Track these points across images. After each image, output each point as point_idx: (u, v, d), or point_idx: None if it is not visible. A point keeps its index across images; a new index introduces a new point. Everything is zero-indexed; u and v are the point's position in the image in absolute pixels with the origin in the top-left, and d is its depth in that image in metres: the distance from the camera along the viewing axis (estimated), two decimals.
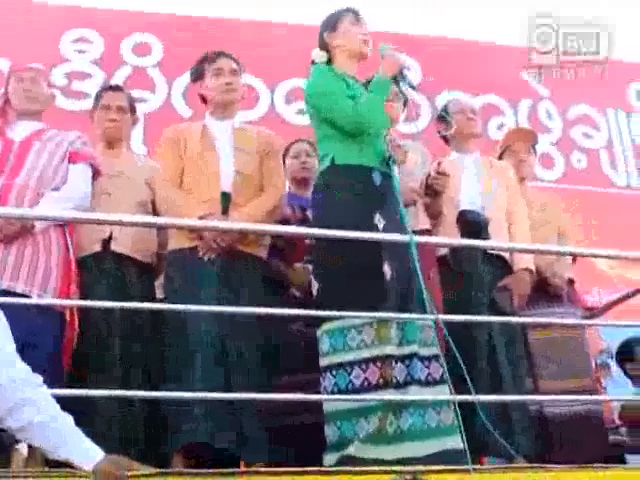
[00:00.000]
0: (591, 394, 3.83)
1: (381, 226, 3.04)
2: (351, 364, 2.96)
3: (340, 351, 2.98)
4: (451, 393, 2.85)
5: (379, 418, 2.87)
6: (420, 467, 2.55)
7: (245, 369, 3.11)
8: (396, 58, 3.18)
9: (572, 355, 3.83)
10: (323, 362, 3.01)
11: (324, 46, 3.33)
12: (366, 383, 2.92)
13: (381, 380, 2.91)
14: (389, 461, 2.80)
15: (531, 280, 3.69)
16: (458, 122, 3.92)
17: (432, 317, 2.93)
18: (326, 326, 3.01)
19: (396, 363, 2.94)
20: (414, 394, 2.91)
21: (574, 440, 3.67)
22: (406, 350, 2.96)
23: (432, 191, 3.57)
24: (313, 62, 3.34)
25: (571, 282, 4.07)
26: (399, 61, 3.18)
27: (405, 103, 3.87)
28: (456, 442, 2.85)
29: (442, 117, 4.03)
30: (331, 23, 3.33)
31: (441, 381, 2.95)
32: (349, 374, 2.95)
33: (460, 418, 2.82)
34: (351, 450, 2.85)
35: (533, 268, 3.70)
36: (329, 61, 3.31)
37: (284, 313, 3.11)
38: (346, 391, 2.93)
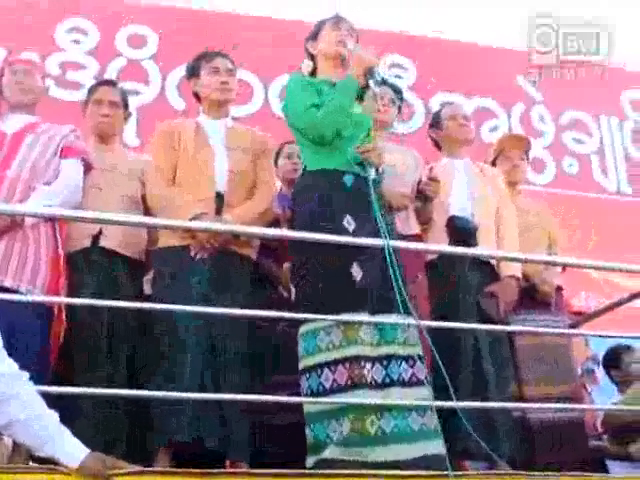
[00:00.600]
0: (576, 400, 3.84)
1: (351, 228, 3.04)
2: (320, 366, 2.97)
3: (311, 354, 3.00)
4: (432, 396, 2.86)
5: (352, 420, 2.87)
6: (399, 472, 2.56)
7: (232, 368, 3.11)
8: (364, 56, 3.15)
9: (557, 361, 3.85)
10: (300, 365, 3.04)
11: (309, 55, 3.36)
12: (335, 384, 2.92)
13: (349, 381, 2.91)
14: (370, 463, 2.80)
15: (518, 287, 3.70)
16: (450, 127, 3.95)
17: (414, 322, 2.94)
18: (302, 329, 3.04)
19: (371, 363, 2.92)
20: (394, 395, 2.90)
21: (556, 446, 3.70)
22: (383, 351, 2.96)
23: (423, 196, 3.59)
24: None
25: (559, 289, 4.09)
26: (367, 59, 3.14)
27: (400, 109, 3.89)
28: (438, 447, 2.85)
29: (434, 122, 4.05)
30: (313, 32, 3.37)
31: (422, 383, 2.95)
32: (319, 376, 2.96)
33: (439, 423, 2.85)
34: (327, 453, 2.86)
35: (520, 275, 3.71)
36: (314, 70, 3.33)
37: (268, 315, 3.12)
38: (317, 393, 2.94)
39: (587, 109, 7.18)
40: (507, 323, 3.67)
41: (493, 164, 4.21)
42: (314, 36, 3.36)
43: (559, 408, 3.67)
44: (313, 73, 3.35)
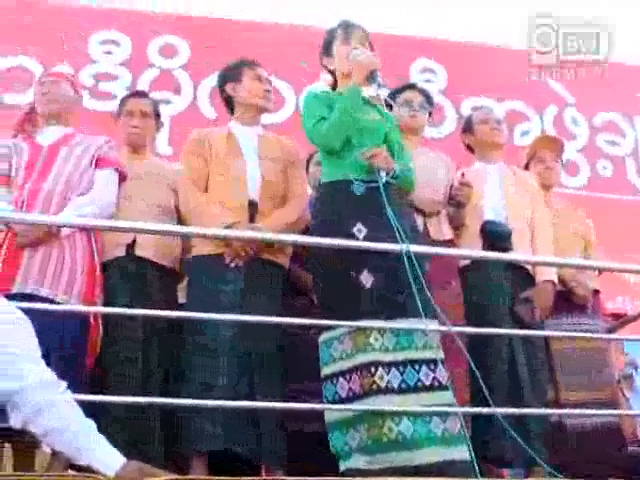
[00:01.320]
0: (613, 406, 3.80)
1: (362, 235, 3.04)
2: (336, 375, 3.01)
3: (326, 363, 3.05)
4: (454, 400, 2.88)
5: (367, 428, 2.89)
6: (430, 479, 2.55)
7: (267, 376, 3.12)
8: (363, 61, 3.15)
9: (594, 367, 3.80)
10: (321, 374, 3.08)
11: (328, 70, 3.37)
12: (351, 393, 2.96)
13: (361, 389, 2.93)
14: (398, 468, 2.79)
15: (553, 292, 3.66)
16: (481, 132, 3.92)
17: (445, 328, 2.93)
18: (320, 338, 3.08)
19: (387, 369, 2.91)
20: (411, 401, 2.88)
21: (593, 452, 3.65)
22: (399, 356, 2.94)
23: (455, 202, 3.57)
24: None
25: (596, 292, 4.04)
26: (367, 63, 3.14)
27: (430, 114, 3.88)
28: (463, 452, 2.85)
29: (466, 127, 4.03)
30: (326, 47, 3.37)
31: (445, 387, 2.93)
32: (335, 385, 3.00)
33: (464, 428, 2.85)
34: (351, 463, 2.89)
35: (556, 279, 3.67)
36: (335, 84, 3.34)
37: (301, 323, 3.14)
38: (334, 403, 2.97)
39: (620, 110, 7.11)
40: (542, 327, 3.64)
41: (526, 167, 4.17)
42: (327, 52, 3.35)
43: (596, 414, 3.63)
44: (334, 87, 3.36)
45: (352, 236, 3.03)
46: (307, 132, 3.23)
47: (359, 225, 3.06)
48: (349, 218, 3.07)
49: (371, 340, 2.94)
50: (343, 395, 2.97)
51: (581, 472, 3.02)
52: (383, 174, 3.07)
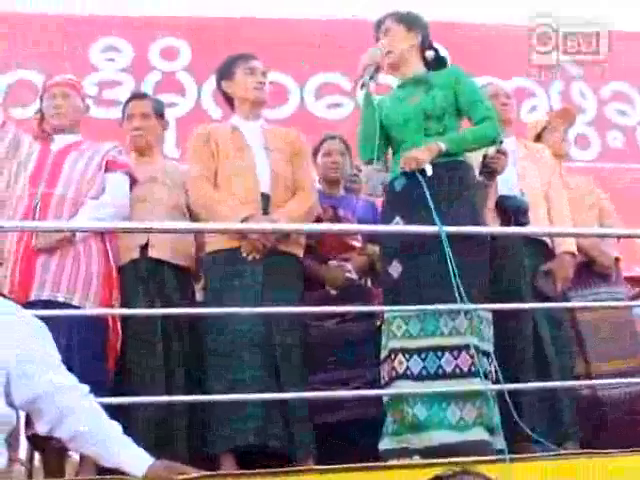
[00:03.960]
0: None
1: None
2: (380, 364, 3.16)
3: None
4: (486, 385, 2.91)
5: (392, 412, 3.02)
6: (455, 459, 2.54)
7: (292, 368, 3.14)
8: (364, 61, 3.25)
9: (623, 335, 3.76)
10: None
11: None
12: (383, 380, 3.11)
13: (387, 376, 3.06)
14: (418, 450, 2.88)
15: (574, 263, 3.63)
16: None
17: (465, 307, 2.94)
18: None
19: (409, 356, 2.98)
20: (428, 389, 2.95)
21: (629, 422, 3.61)
22: (423, 343, 2.99)
23: (489, 170, 3.50)
24: None
25: (617, 260, 4.00)
26: (367, 61, 3.24)
27: None
28: (481, 434, 2.89)
29: None
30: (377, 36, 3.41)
31: (470, 373, 2.94)
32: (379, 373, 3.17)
33: (496, 406, 2.90)
34: (386, 443, 3.00)
35: (575, 250, 3.64)
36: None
37: (321, 311, 3.26)
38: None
39: (628, 79, 7.04)
40: (566, 300, 3.61)
41: (538, 138, 4.14)
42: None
43: (630, 383, 3.59)
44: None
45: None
46: None
47: (397, 219, 3.14)
48: (389, 212, 3.20)
49: (393, 328, 3.04)
50: (382, 382, 3.12)
51: (620, 444, 2.98)
52: (427, 167, 3.09)
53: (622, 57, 6.66)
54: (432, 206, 2.97)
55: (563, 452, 3.00)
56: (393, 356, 3.01)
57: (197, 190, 3.38)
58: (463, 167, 3.23)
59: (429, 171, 3.08)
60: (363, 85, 3.29)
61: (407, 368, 2.97)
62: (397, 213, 3.14)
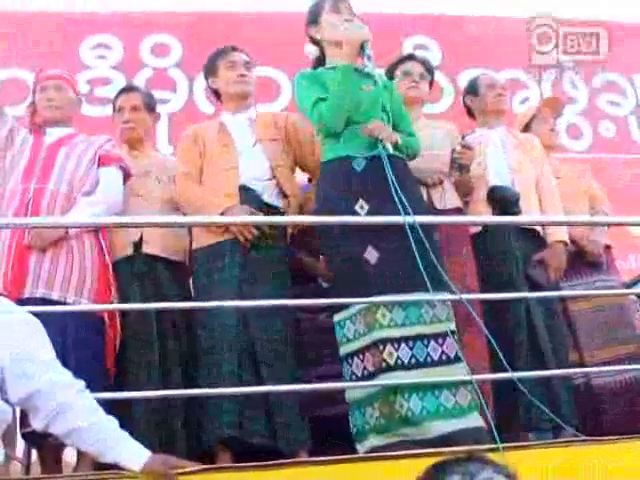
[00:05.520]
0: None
1: (363, 212, 3.03)
2: (351, 355, 3.03)
3: (342, 343, 3.06)
4: (469, 372, 2.85)
5: (380, 405, 2.91)
6: (446, 449, 2.52)
7: (274, 362, 3.12)
8: (353, 34, 3.12)
9: (617, 323, 3.76)
10: (340, 353, 3.09)
11: (312, 40, 3.32)
12: (365, 372, 2.98)
13: (373, 367, 2.95)
14: (412, 442, 2.82)
15: (566, 252, 3.64)
16: (488, 97, 3.89)
17: (456, 297, 2.93)
18: (335, 318, 3.08)
19: (397, 345, 2.92)
20: (419, 377, 2.90)
21: (625, 410, 3.62)
22: (408, 331, 2.95)
23: (458, 166, 3.54)
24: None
25: (608, 248, 4.00)
26: (356, 36, 3.11)
27: (431, 84, 3.85)
28: (476, 420, 2.87)
29: (470, 89, 3.99)
30: (313, 15, 3.31)
31: (457, 359, 2.92)
32: (351, 365, 3.01)
33: (478, 397, 2.85)
34: (369, 443, 2.91)
35: (567, 239, 3.65)
36: (323, 54, 3.29)
37: (304, 304, 3.23)
38: (352, 382, 3.01)
39: (620, 70, 7.05)
40: (558, 289, 3.62)
41: (526, 129, 4.14)
42: (314, 20, 3.29)
43: (624, 370, 3.59)
44: (322, 59, 3.31)
45: (355, 214, 3.02)
46: (305, 113, 3.21)
47: (361, 202, 3.04)
48: (351, 195, 3.06)
49: (378, 316, 2.95)
50: (359, 374, 2.99)
51: (615, 431, 2.99)
52: (388, 145, 3.04)
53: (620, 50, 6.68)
54: (398, 188, 2.92)
55: (558, 440, 3.00)
56: (381, 347, 2.92)
57: (181, 187, 3.41)
58: (405, 163, 3.20)
59: (390, 149, 3.04)
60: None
61: (398, 358, 2.91)
62: (360, 196, 3.04)
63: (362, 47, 3.10)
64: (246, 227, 3.15)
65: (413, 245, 2.82)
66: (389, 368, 2.91)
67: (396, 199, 2.89)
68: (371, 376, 2.95)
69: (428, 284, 2.83)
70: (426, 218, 2.99)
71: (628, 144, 6.88)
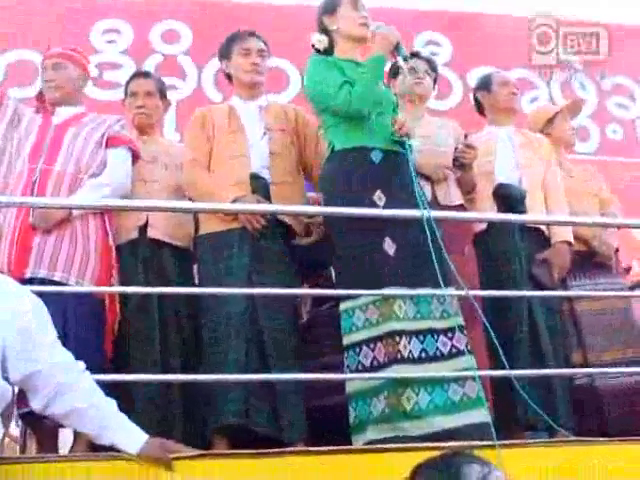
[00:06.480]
0: None
1: (381, 203, 3.05)
2: (359, 344, 3.01)
3: (348, 332, 3.04)
4: (475, 365, 2.89)
5: (387, 396, 2.90)
6: (442, 444, 2.52)
7: (279, 351, 3.12)
8: (389, 34, 3.17)
9: (621, 325, 3.75)
10: (343, 342, 3.07)
11: (324, 29, 3.30)
12: (375, 362, 2.97)
13: (386, 358, 2.94)
14: (411, 437, 2.81)
15: (570, 252, 3.63)
16: (501, 95, 3.89)
17: (462, 293, 2.94)
18: (340, 307, 3.07)
19: (409, 338, 2.93)
20: (432, 371, 2.91)
21: (627, 412, 3.61)
22: (420, 325, 2.97)
23: (460, 164, 3.54)
24: (313, 46, 3.31)
25: (616, 251, 3.99)
26: (392, 36, 3.16)
27: (435, 80, 3.85)
28: (482, 415, 2.86)
29: (482, 85, 3.99)
30: (330, 6, 3.30)
31: (463, 353, 2.94)
32: (357, 354, 3.00)
33: (483, 392, 2.87)
34: (368, 435, 2.89)
35: (571, 239, 3.64)
36: (330, 45, 3.28)
37: (311, 293, 3.25)
38: (357, 372, 2.98)
39: (624, 71, 7.03)
40: (561, 288, 3.61)
41: (547, 124, 4.12)
42: (331, 11, 3.28)
43: (628, 372, 3.58)
44: (329, 49, 3.29)
45: (373, 204, 3.03)
46: (325, 97, 3.15)
47: (379, 192, 3.06)
48: (369, 186, 3.07)
49: (395, 308, 2.96)
50: (367, 364, 2.98)
51: (619, 433, 2.99)
52: (413, 141, 3.09)
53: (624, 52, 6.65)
54: (418, 183, 2.97)
55: (554, 440, 3.01)
56: (397, 338, 2.92)
57: (189, 174, 3.38)
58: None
59: (414, 143, 3.09)
60: (397, 70, 3.34)
61: (410, 351, 2.92)
62: (378, 187, 3.06)
63: (397, 47, 3.16)
64: (255, 216, 3.15)
65: (429, 239, 2.85)
66: (402, 360, 2.91)
67: (417, 194, 2.94)
68: (381, 367, 2.95)
69: (440, 279, 2.86)
70: (442, 213, 3.04)
71: (636, 147, 6.87)
